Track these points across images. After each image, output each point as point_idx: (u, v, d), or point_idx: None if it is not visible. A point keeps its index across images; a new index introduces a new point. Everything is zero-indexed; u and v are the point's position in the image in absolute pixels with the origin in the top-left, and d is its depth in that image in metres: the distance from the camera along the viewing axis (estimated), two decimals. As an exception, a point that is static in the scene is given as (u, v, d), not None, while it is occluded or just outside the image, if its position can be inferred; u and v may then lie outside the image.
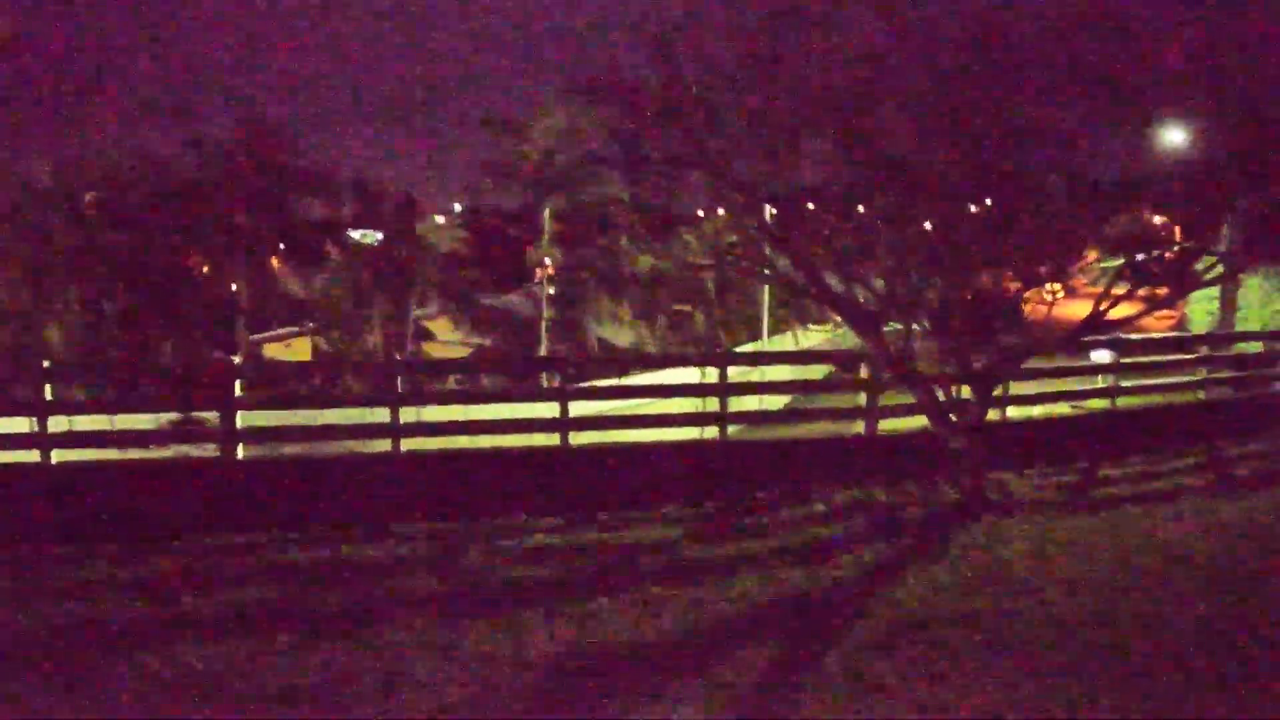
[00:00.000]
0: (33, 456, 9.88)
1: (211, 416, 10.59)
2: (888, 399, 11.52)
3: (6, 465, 9.93)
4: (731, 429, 11.62)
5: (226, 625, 6.92)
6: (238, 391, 10.31)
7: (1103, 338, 12.93)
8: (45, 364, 10.70)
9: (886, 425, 11.56)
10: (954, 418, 10.33)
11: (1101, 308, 10.19)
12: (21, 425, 10.40)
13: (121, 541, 8.78)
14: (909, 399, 10.86)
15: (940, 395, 10.38)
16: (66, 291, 35.04)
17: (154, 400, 17.64)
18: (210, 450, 10.66)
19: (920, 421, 11.03)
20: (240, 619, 7.06)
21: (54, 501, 9.57)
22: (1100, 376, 13.75)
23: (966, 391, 10.51)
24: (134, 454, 11.32)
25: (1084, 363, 14.58)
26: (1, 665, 6.35)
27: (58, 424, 10.21)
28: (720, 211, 11.35)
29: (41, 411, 10.01)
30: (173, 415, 15.89)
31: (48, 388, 10.33)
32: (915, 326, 10.40)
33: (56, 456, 9.95)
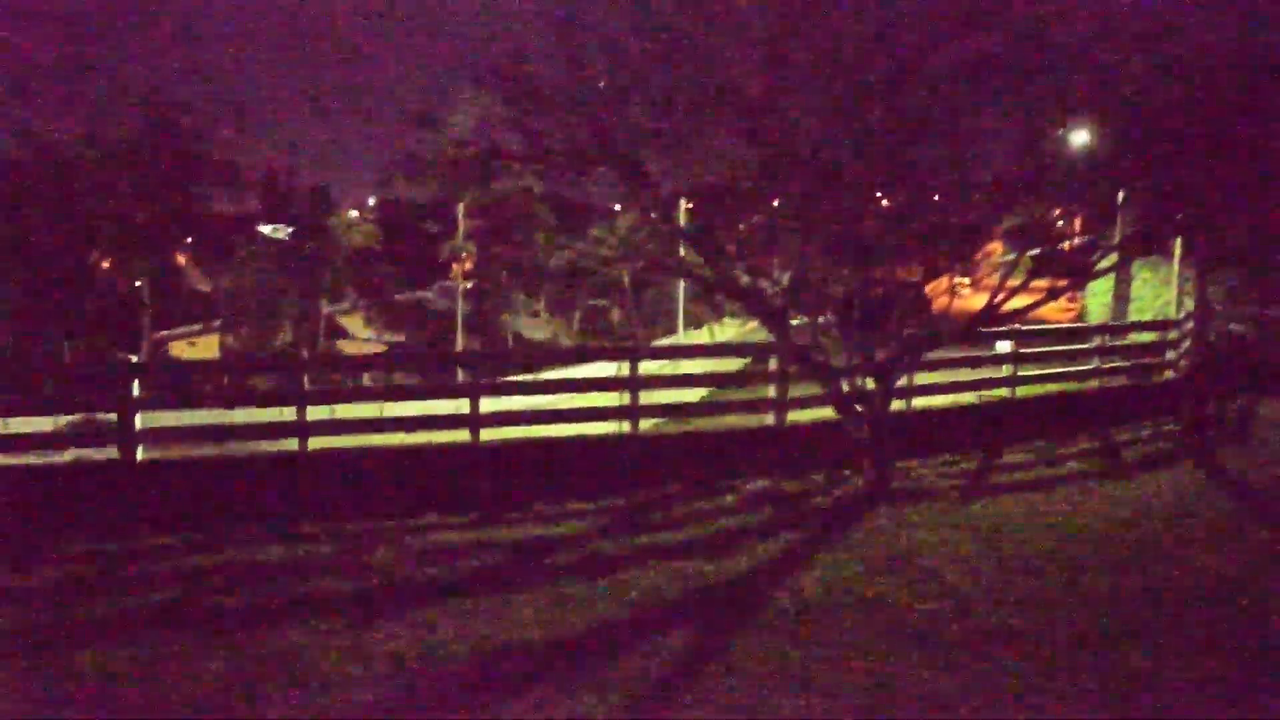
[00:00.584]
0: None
1: (112, 418, 10.29)
2: (797, 391, 11.72)
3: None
4: (646, 423, 11.70)
5: (126, 630, 6.74)
6: (137, 391, 10.02)
7: (1003, 329, 13.36)
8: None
9: (795, 416, 11.77)
10: (859, 408, 10.57)
11: (997, 299, 10.53)
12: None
13: (12, 547, 8.47)
14: (816, 390, 11.08)
15: (845, 386, 10.61)
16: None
17: (52, 402, 17.05)
18: (111, 452, 10.35)
19: (828, 413, 11.27)
20: (140, 624, 6.88)
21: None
22: (1003, 366, 14.21)
23: (871, 383, 10.76)
24: (31, 458, 10.92)
25: (985, 353, 15.06)
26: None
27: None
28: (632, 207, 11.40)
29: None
30: (72, 417, 15.41)
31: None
32: (820, 319, 10.60)
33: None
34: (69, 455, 11.67)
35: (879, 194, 10.77)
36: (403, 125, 10.36)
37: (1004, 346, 14.70)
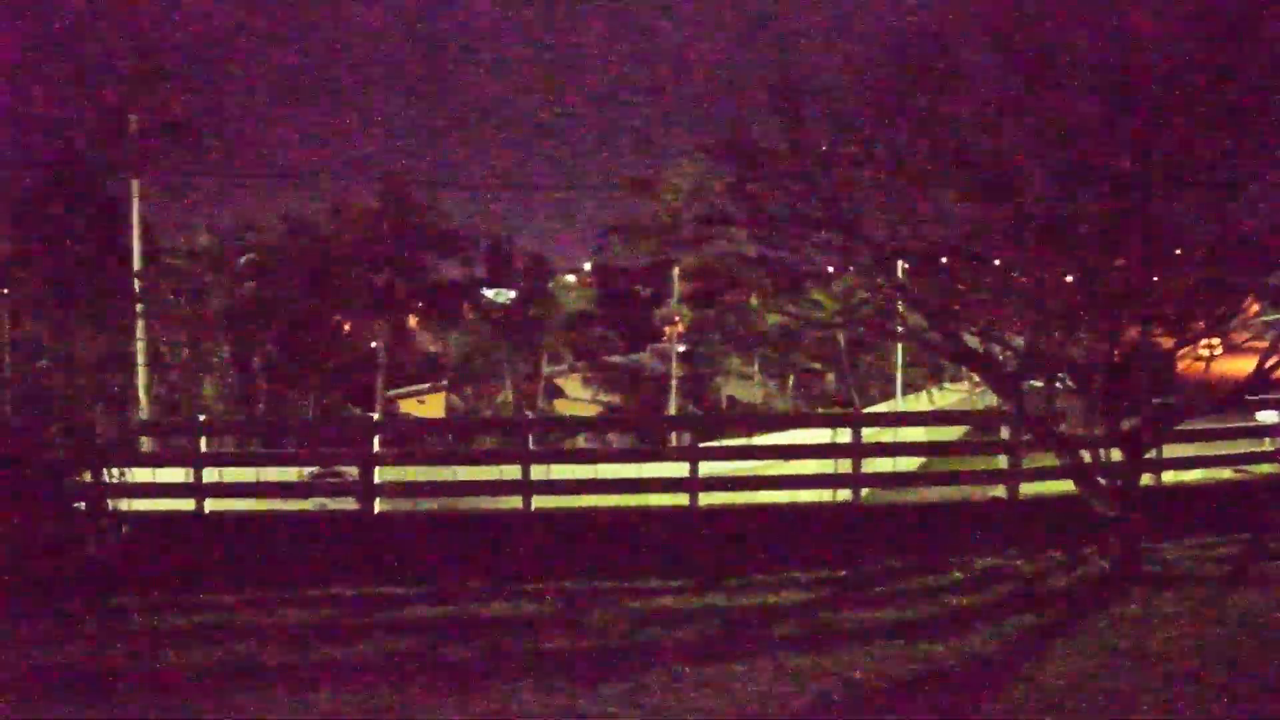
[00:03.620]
0: (188, 505, 10.40)
1: (351, 470, 10.94)
2: (1030, 461, 11.02)
3: (166, 513, 10.47)
4: (864, 491, 11.31)
5: (359, 673, 7.04)
6: (376, 447, 10.62)
7: (1270, 397, 12.11)
8: (201, 418, 11.26)
9: (1029, 489, 11.05)
10: (1102, 481, 9.78)
11: (1268, 364, 9.53)
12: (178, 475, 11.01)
13: (266, 588, 9.09)
14: (1053, 462, 10.35)
15: (1087, 458, 9.85)
16: (219, 348, 37.11)
17: (298, 454, 18.36)
18: (349, 503, 10.99)
19: (1065, 486, 10.48)
20: (373, 671, 7.16)
21: (206, 548, 10.01)
22: (1266, 439, 12.83)
23: (1116, 454, 9.94)
24: (278, 504, 11.78)
25: (1248, 424, 13.67)
26: (146, 698, 6.60)
27: (210, 475, 10.74)
28: (850, 268, 11.16)
29: (197, 463, 10.54)
30: (314, 468, 16.50)
31: (203, 440, 10.90)
32: (1058, 385, 9.94)
33: (209, 506, 10.43)
34: (312, 504, 12.47)
35: (1122, 251, 10.05)
36: (624, 192, 10.62)
37: (1269, 417, 13.30)
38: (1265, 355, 9.54)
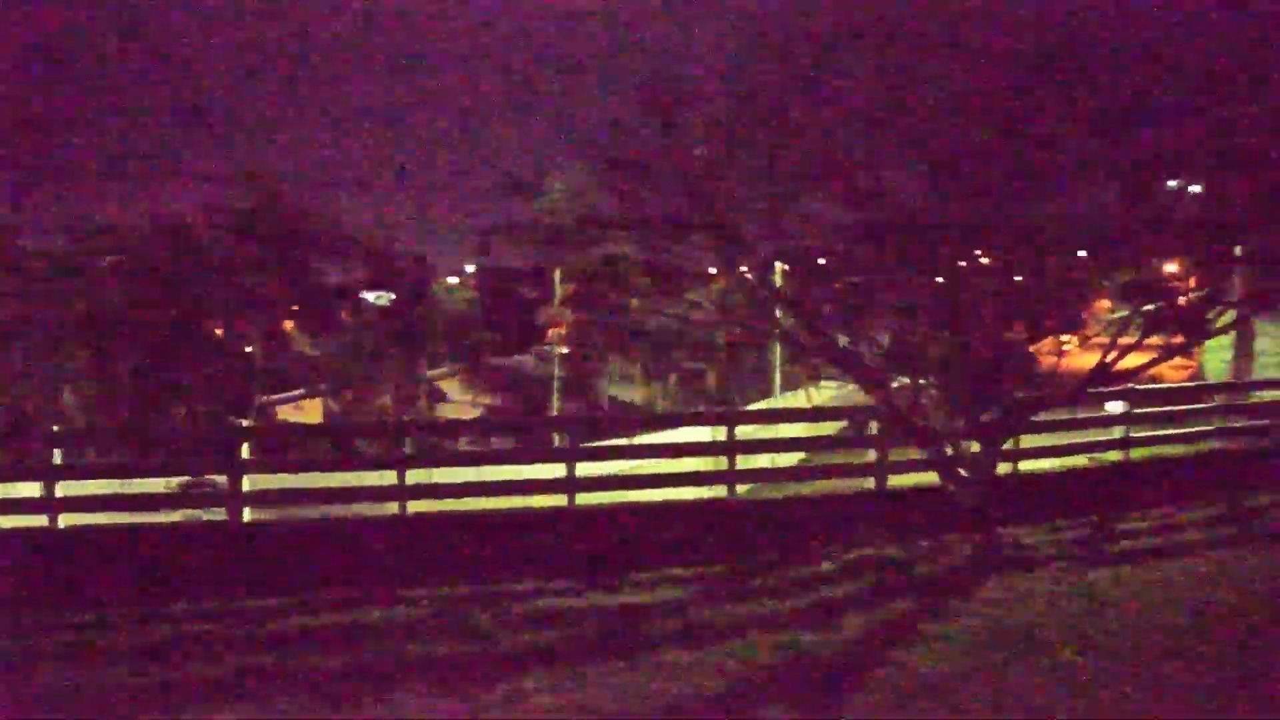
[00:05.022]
0: (41, 521, 9.89)
1: (222, 479, 10.60)
2: (898, 454, 11.42)
3: (14, 530, 9.93)
4: (742, 488, 11.53)
5: (227, 692, 6.83)
6: (245, 454, 10.32)
7: (1115, 389, 12.84)
8: (55, 428, 10.74)
9: (897, 481, 11.46)
10: (963, 472, 10.23)
11: (1109, 358, 10.13)
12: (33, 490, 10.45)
13: (124, 606, 8.71)
14: (919, 454, 10.77)
15: (949, 450, 10.29)
16: (80, 356, 35.40)
17: (164, 464, 17.67)
18: (219, 514, 10.65)
19: (932, 477, 10.93)
20: (241, 685, 6.97)
21: (59, 566, 9.54)
22: (1115, 428, 13.61)
23: (977, 446, 10.42)
24: (143, 518, 11.31)
25: (1096, 414, 14.47)
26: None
27: (68, 488, 10.23)
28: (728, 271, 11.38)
29: (49, 476, 10.03)
30: (182, 478, 15.90)
31: (57, 452, 10.38)
32: (922, 381, 10.35)
33: (65, 521, 9.95)
34: (179, 515, 12.03)
35: (979, 253, 10.54)
36: (501, 193, 10.59)
37: (1115, 407, 14.10)
38: (1106, 350, 10.15)
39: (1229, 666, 7.10)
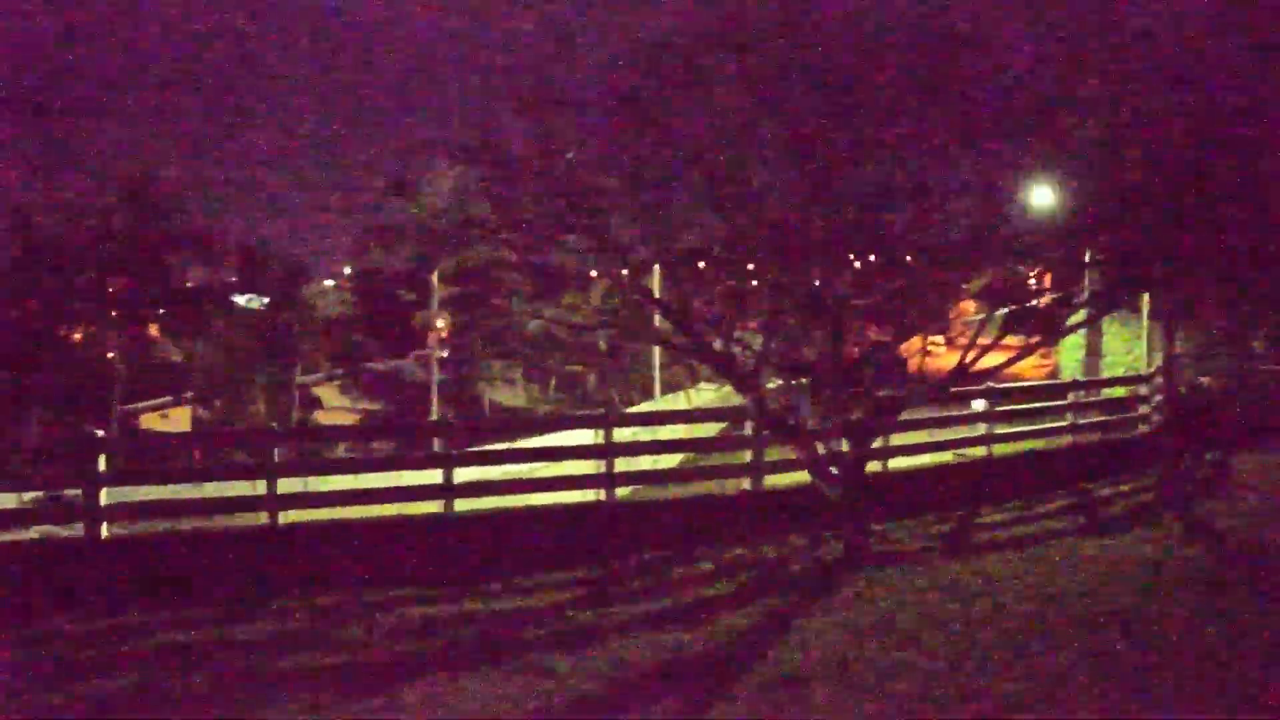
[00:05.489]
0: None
1: (78, 493, 10.09)
2: (775, 454, 11.67)
3: None
4: (623, 490, 11.59)
5: (88, 712, 6.54)
6: (102, 466, 9.85)
7: (978, 387, 13.41)
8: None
9: (773, 481, 11.70)
10: (835, 470, 10.53)
11: (969, 357, 10.57)
12: None
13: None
14: (792, 454, 11.03)
15: (820, 449, 10.57)
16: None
17: (18, 477, 16.72)
18: (78, 529, 10.13)
19: (806, 476, 11.21)
20: (103, 705, 6.67)
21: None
22: (982, 425, 14.21)
23: (847, 445, 10.73)
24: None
25: (964, 412, 15.08)
26: None
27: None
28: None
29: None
30: (37, 493, 15.09)
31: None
32: (794, 382, 10.61)
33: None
34: (34, 532, 11.41)
35: (849, 256, 10.86)
36: (378, 194, 10.41)
37: (979, 405, 14.74)
38: (966, 349, 10.60)
39: (1072, 646, 7.52)
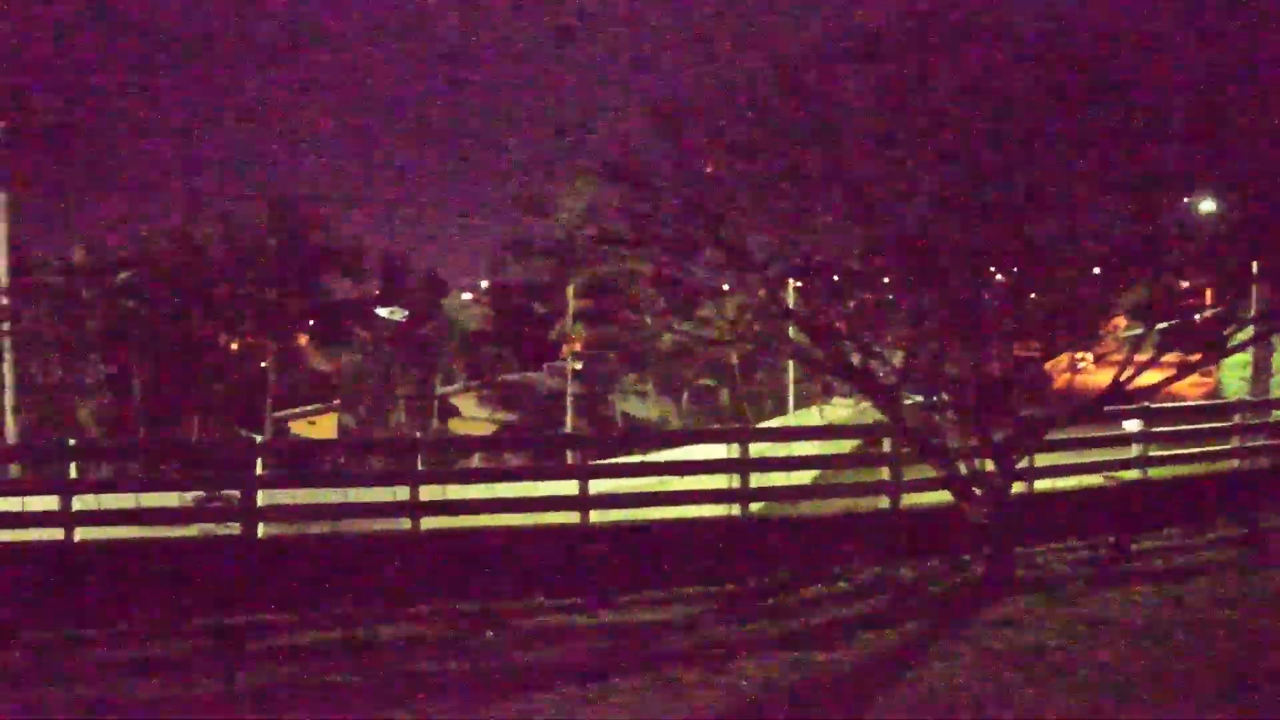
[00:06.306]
0: (56, 534, 9.94)
1: (237, 494, 10.64)
2: (912, 473, 11.37)
3: (28, 543, 9.99)
4: (756, 506, 11.49)
5: (243, 706, 6.85)
6: (259, 469, 10.35)
7: (1131, 407, 12.74)
8: (71, 442, 10.80)
9: (911, 500, 11.40)
10: (977, 490, 10.17)
11: (1123, 376, 10.06)
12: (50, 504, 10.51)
13: (140, 622, 8.74)
14: (933, 473, 10.72)
15: (962, 469, 10.23)
16: (97, 369, 35.64)
17: (179, 478, 17.74)
18: (234, 528, 10.67)
19: (946, 496, 10.87)
20: (258, 700, 6.98)
21: (75, 581, 9.58)
22: (1133, 446, 13.49)
23: (990, 465, 10.35)
24: (159, 532, 11.35)
25: (1113, 432, 14.35)
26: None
27: (84, 502, 10.29)
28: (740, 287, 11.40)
29: (65, 490, 10.09)
30: (197, 493, 15.94)
31: (73, 466, 10.46)
32: (936, 399, 10.30)
33: (80, 534, 10.00)
34: (195, 530, 12.06)
35: (994, 270, 10.50)
36: (515, 209, 10.64)
37: (1132, 425, 13.98)
38: (1121, 367, 10.08)
39: (1236, 695, 7.01)
